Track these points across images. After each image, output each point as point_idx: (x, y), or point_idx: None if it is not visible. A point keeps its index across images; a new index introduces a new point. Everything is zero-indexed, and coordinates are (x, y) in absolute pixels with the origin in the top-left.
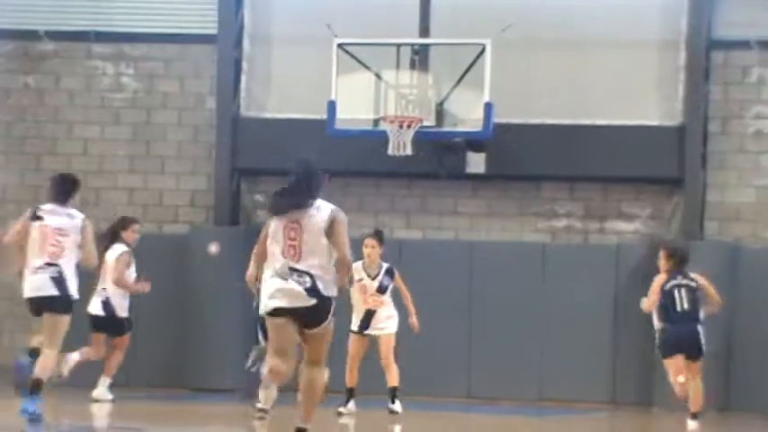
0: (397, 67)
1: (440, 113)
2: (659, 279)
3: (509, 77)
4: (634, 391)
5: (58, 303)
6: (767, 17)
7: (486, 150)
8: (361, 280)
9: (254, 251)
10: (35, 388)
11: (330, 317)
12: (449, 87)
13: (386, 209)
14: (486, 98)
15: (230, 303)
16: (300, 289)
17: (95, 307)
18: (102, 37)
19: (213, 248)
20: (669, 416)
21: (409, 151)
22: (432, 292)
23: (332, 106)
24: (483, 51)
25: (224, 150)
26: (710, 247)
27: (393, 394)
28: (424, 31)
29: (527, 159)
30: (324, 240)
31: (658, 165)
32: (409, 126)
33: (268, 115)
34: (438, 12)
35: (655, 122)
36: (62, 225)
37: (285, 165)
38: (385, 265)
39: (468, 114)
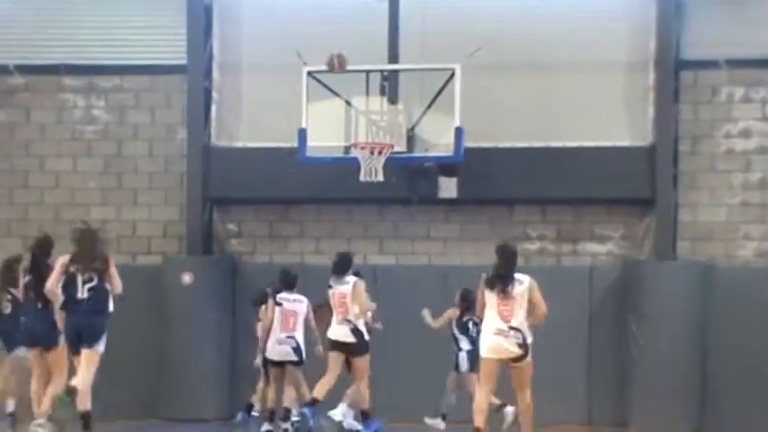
0: (367, 93)
1: (411, 139)
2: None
3: (479, 102)
4: (610, 411)
5: None
6: (735, 36)
7: (457, 175)
8: None
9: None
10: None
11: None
12: (419, 113)
13: (358, 235)
14: (457, 123)
15: (204, 333)
16: (513, 342)
17: None
18: (72, 70)
19: (186, 278)
20: None
21: (381, 177)
22: (406, 318)
23: (302, 134)
24: (452, 76)
25: (195, 180)
26: (683, 267)
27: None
28: (393, 58)
29: (499, 183)
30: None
31: (630, 186)
32: (380, 152)
33: (239, 144)
34: (407, 38)
35: (625, 143)
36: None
37: (256, 193)
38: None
39: (438, 139)
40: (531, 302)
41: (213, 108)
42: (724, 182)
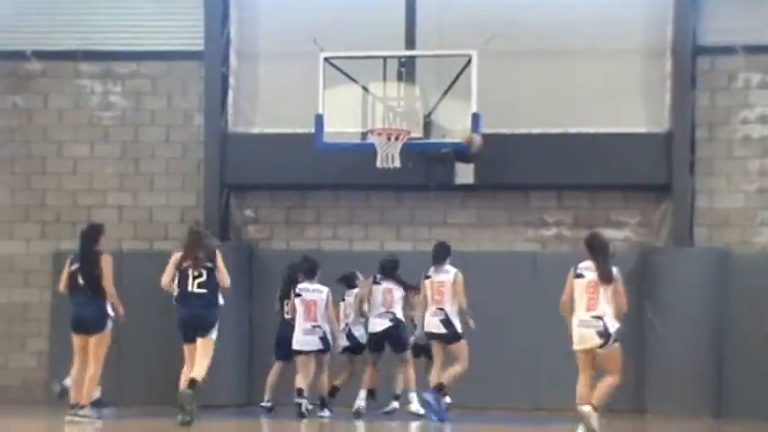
0: (384, 79)
1: (427, 125)
2: None
3: (496, 88)
4: (627, 397)
5: None
6: (752, 23)
7: (474, 161)
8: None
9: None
10: None
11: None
12: (436, 99)
13: (375, 221)
14: (474, 109)
15: (221, 319)
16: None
17: None
18: (89, 56)
19: None
20: (663, 421)
21: (398, 163)
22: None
23: (319, 120)
24: (469, 62)
25: (212, 166)
26: (700, 254)
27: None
28: (410, 44)
29: (515, 169)
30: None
31: (646, 172)
32: (397, 138)
33: (256, 130)
34: (424, 24)
35: (642, 130)
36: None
37: (273, 179)
38: None
39: (455, 125)
40: (615, 293)
41: (230, 94)
42: (741, 168)
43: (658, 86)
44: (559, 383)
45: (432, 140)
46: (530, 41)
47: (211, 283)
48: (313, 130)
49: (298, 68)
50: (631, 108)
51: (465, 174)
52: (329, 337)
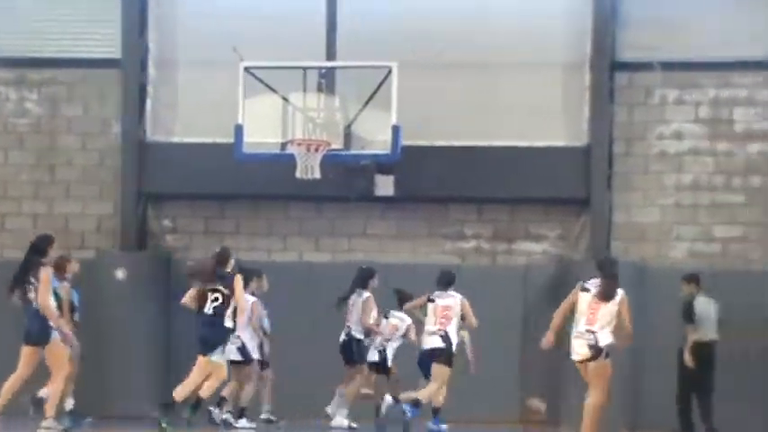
0: (304, 90)
1: (347, 136)
2: None
3: (416, 100)
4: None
5: None
6: (669, 39)
7: (394, 173)
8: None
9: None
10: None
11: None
12: (356, 110)
13: (294, 232)
14: (394, 120)
15: (139, 328)
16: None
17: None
18: (4, 62)
19: (120, 274)
20: None
21: (317, 174)
22: (342, 315)
23: (239, 130)
24: (389, 74)
25: (130, 175)
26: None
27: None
28: (331, 55)
29: (435, 181)
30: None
31: (565, 186)
32: (317, 149)
33: (175, 139)
34: (344, 35)
35: (561, 143)
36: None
37: (192, 189)
38: None
39: (375, 137)
40: (619, 314)
41: (148, 103)
42: (657, 183)
43: (577, 101)
44: (476, 393)
45: (352, 152)
46: (451, 54)
47: (223, 307)
48: (233, 140)
49: (217, 78)
50: (551, 122)
51: (385, 185)
52: (248, 347)
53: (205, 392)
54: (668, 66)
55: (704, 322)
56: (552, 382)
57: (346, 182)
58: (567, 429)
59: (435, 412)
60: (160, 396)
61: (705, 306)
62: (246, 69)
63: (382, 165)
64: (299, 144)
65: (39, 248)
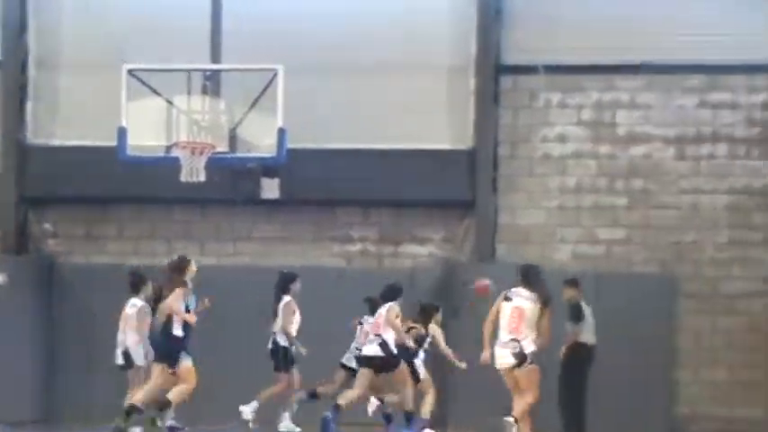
0: (189, 92)
1: (233, 139)
2: None
3: (302, 103)
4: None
5: None
6: (552, 43)
7: (280, 176)
8: None
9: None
10: None
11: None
12: (241, 113)
13: (179, 236)
14: (280, 123)
15: (19, 333)
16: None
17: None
18: None
19: (0, 278)
20: None
21: (202, 177)
22: (228, 319)
23: (122, 133)
24: (275, 77)
25: (9, 178)
26: (501, 269)
27: None
28: (216, 57)
29: (321, 184)
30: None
31: (450, 188)
32: (202, 152)
33: (56, 143)
34: (229, 37)
35: (446, 146)
36: None
37: (74, 192)
38: None
39: (261, 140)
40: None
41: (29, 105)
42: (541, 186)
43: (462, 104)
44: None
45: (237, 155)
46: (337, 57)
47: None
48: (116, 143)
49: (100, 80)
50: (436, 125)
51: (271, 188)
52: (131, 351)
53: (174, 397)
54: (552, 69)
55: (588, 325)
56: (439, 385)
57: (232, 185)
58: (453, 429)
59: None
60: (40, 402)
61: (587, 309)
62: (130, 72)
63: (268, 168)
64: (184, 147)
65: None
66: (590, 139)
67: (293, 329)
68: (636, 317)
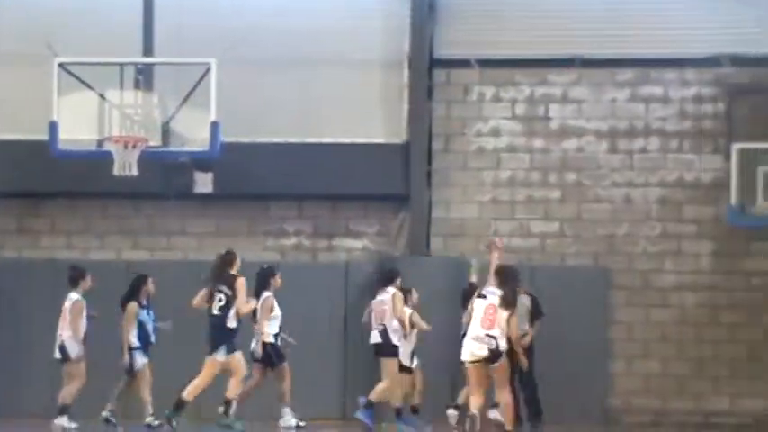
0: (121, 86)
1: (166, 133)
2: None
3: (236, 97)
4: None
5: None
6: (485, 37)
7: (213, 170)
8: None
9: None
10: None
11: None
12: (175, 107)
13: (112, 230)
14: (213, 117)
15: None
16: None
17: None
18: None
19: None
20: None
21: (135, 172)
22: (161, 314)
23: (54, 127)
24: (208, 71)
25: None
26: (436, 263)
27: None
28: (148, 51)
29: (255, 178)
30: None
31: (385, 182)
32: (134, 146)
33: None
34: (162, 31)
35: (380, 140)
36: None
37: (5, 187)
38: None
39: (194, 134)
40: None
41: None
42: (475, 179)
43: (396, 97)
44: (298, 391)
45: (170, 149)
46: (270, 51)
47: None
48: (47, 137)
49: (31, 74)
50: (370, 118)
51: (204, 183)
52: (66, 345)
53: (231, 392)
54: (485, 63)
55: (523, 316)
56: (375, 378)
57: (165, 179)
58: (388, 424)
59: (397, 412)
60: None
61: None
62: (61, 65)
63: (201, 162)
64: (117, 141)
65: None
66: (523, 132)
67: (274, 326)
68: (569, 309)
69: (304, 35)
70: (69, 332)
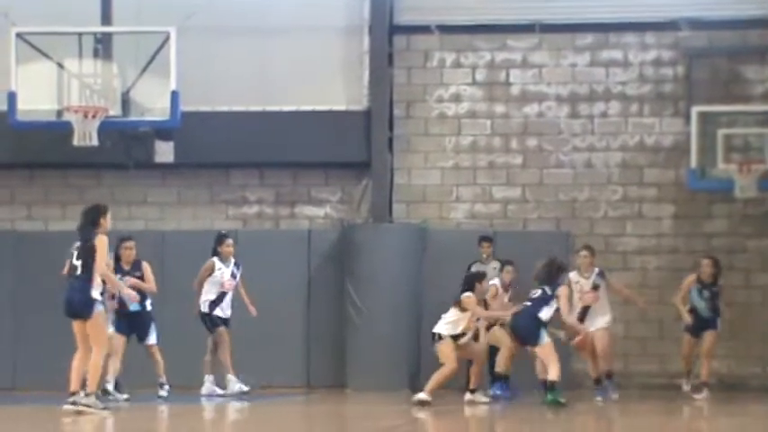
0: (80, 56)
1: (126, 103)
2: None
3: (195, 65)
4: (328, 373)
5: None
6: (446, 3)
7: (174, 139)
8: (577, 282)
9: None
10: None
11: None
12: (134, 76)
13: (73, 201)
14: (173, 87)
15: None
16: None
17: None
18: None
19: None
20: (362, 396)
21: (95, 142)
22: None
23: (12, 97)
24: (167, 40)
25: None
26: (399, 229)
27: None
28: (107, 20)
29: (216, 147)
30: None
31: (347, 149)
32: (94, 116)
33: None
34: None
35: (342, 107)
36: None
37: None
38: (596, 269)
39: (154, 103)
40: None
41: None
42: (437, 145)
43: (357, 65)
44: (261, 359)
45: (130, 118)
46: (230, 19)
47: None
48: (6, 108)
49: None
50: (331, 86)
51: (165, 152)
52: None
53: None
54: (445, 29)
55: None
56: (336, 345)
57: (125, 149)
58: (353, 391)
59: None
60: None
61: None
62: (18, 35)
63: (162, 131)
64: (76, 111)
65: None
66: (484, 98)
67: (211, 293)
68: (532, 273)
69: (263, 2)
70: None
